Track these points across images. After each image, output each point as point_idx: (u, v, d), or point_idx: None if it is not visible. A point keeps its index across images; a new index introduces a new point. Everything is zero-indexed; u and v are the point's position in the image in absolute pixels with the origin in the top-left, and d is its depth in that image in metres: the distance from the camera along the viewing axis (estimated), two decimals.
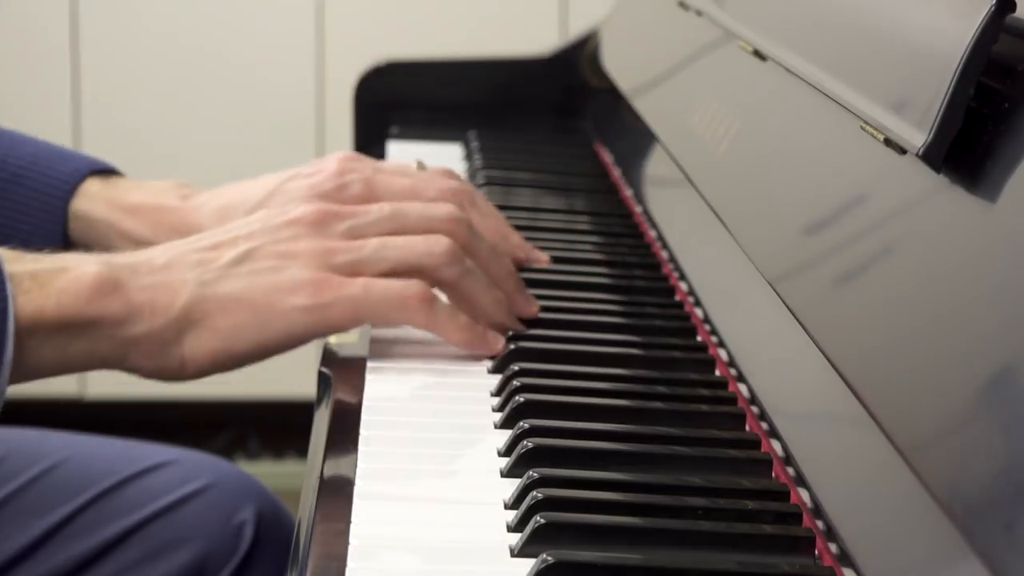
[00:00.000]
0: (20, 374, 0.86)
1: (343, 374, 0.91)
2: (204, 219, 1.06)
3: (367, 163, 1.04)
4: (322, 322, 0.89)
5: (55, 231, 1.09)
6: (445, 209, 0.94)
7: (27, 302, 0.85)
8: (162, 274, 0.88)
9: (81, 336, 0.86)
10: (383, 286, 0.89)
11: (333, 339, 0.97)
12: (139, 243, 1.06)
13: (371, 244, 0.91)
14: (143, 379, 0.90)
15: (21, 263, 0.86)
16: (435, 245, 0.91)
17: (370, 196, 1.01)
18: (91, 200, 1.09)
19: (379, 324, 0.92)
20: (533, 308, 0.96)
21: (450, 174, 1.07)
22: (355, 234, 0.92)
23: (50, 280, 0.86)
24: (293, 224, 0.91)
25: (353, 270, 0.90)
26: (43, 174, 1.09)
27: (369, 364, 0.91)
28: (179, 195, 1.08)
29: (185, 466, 1.19)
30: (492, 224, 1.05)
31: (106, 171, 1.12)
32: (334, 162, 1.04)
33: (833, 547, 0.69)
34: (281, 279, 0.89)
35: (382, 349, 0.93)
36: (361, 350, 0.93)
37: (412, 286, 0.89)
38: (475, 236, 0.94)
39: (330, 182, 1.03)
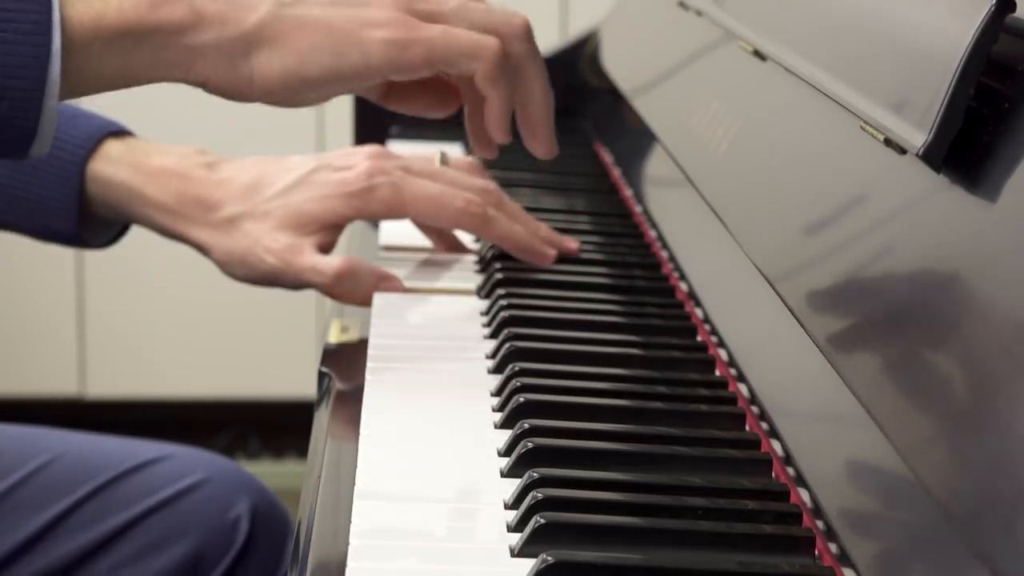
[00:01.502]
0: (83, 84, 0.84)
1: (343, 374, 0.91)
2: (230, 195, 1.06)
3: (397, 162, 1.05)
4: (398, 59, 0.89)
5: (71, 195, 1.07)
6: (516, 19, 0.95)
7: (87, 7, 0.83)
8: None
9: (144, 43, 0.85)
10: (464, 33, 0.91)
11: (333, 339, 0.97)
12: (160, 209, 1.06)
13: (453, 2, 0.92)
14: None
15: None
16: (514, 18, 0.94)
17: (397, 199, 1.02)
18: (112, 163, 1.08)
19: (453, 70, 0.92)
20: (556, 148, 1.02)
21: (473, 170, 1.09)
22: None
23: None
24: None
25: (435, 20, 0.91)
26: (57, 138, 1.06)
27: (369, 364, 0.91)
28: (203, 163, 1.07)
29: (181, 461, 1.19)
30: (522, 224, 1.07)
31: (121, 132, 1.11)
32: (364, 159, 1.04)
33: (833, 547, 0.69)
34: (364, 12, 0.89)
35: (382, 349, 0.93)
36: (361, 350, 0.93)
37: (490, 39, 0.91)
38: (540, 53, 0.97)
39: (359, 182, 1.03)
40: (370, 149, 1.05)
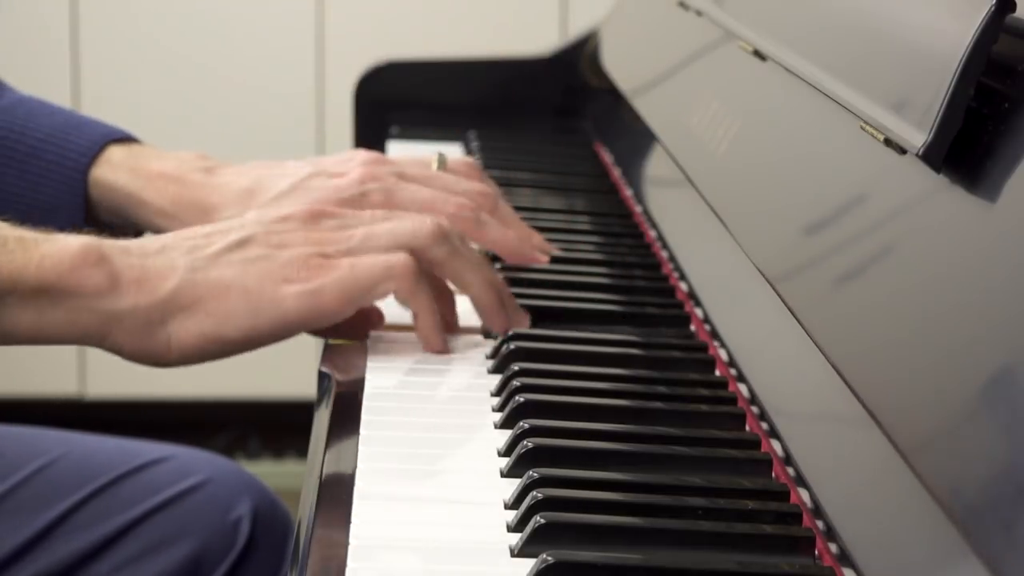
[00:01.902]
0: None
1: (343, 374, 0.91)
2: (227, 200, 1.06)
3: (391, 168, 1.04)
4: (314, 307, 0.89)
5: (75, 203, 1.08)
6: (430, 221, 0.94)
7: (8, 262, 0.85)
8: (153, 257, 0.88)
9: (61, 305, 0.86)
10: (370, 260, 0.90)
11: (334, 339, 0.97)
12: (158, 214, 1.07)
13: (359, 233, 0.91)
14: (129, 363, 0.90)
15: (12, 229, 0.86)
16: (421, 226, 0.92)
17: (388, 205, 1.02)
18: (113, 168, 1.08)
19: (370, 300, 0.92)
20: (524, 322, 0.96)
21: (471, 172, 1.08)
22: (347, 227, 0.92)
23: (36, 245, 0.86)
24: (284, 219, 0.92)
25: (344, 256, 0.90)
26: (61, 146, 1.08)
27: (369, 364, 0.91)
28: (202, 167, 1.08)
29: (182, 462, 1.19)
30: (513, 231, 1.06)
31: (125, 139, 1.12)
32: (358, 166, 1.04)
33: (833, 547, 0.69)
34: (272, 266, 0.89)
35: (382, 349, 0.93)
36: (361, 350, 0.93)
37: (398, 256, 0.90)
38: (464, 241, 0.95)
39: (351, 189, 1.03)
40: (365, 155, 1.05)
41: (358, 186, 1.03)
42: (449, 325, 0.95)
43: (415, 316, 0.92)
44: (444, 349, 0.93)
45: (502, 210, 1.07)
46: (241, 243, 0.90)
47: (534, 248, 1.07)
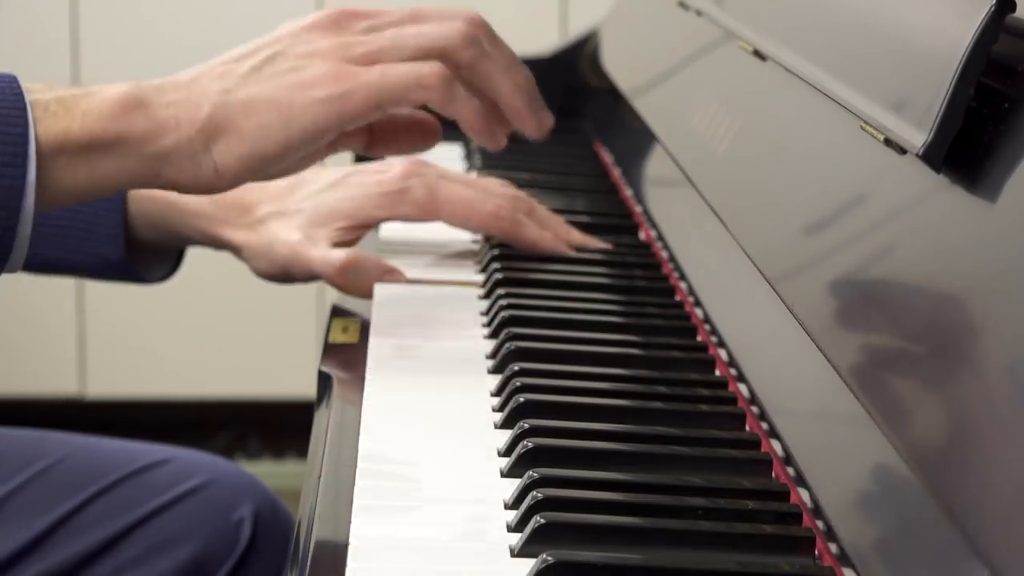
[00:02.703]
0: (53, 197, 0.87)
1: (343, 374, 0.91)
2: (265, 198, 1.09)
3: (432, 168, 1.07)
4: (344, 112, 0.90)
5: (115, 218, 1.10)
6: (463, 12, 0.95)
7: (53, 124, 0.87)
8: (186, 89, 0.90)
9: (109, 154, 0.87)
10: (401, 68, 0.91)
11: (333, 339, 0.97)
12: (197, 216, 1.10)
13: (387, 34, 0.93)
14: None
15: (50, 91, 0.88)
16: (451, 28, 0.93)
17: (431, 200, 1.05)
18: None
19: (399, 106, 0.93)
20: (549, 121, 1.00)
21: (506, 183, 1.12)
22: (376, 29, 0.94)
23: (76, 103, 0.88)
24: (312, 28, 0.93)
25: (372, 60, 0.91)
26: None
27: (369, 364, 0.91)
28: None
29: (183, 464, 1.20)
30: (550, 232, 1.09)
31: None
32: (401, 163, 1.07)
33: (833, 547, 0.69)
34: (300, 76, 0.90)
35: (382, 349, 0.93)
36: (361, 350, 0.93)
37: (430, 65, 0.91)
38: (494, 38, 0.96)
39: (393, 183, 1.06)
40: (407, 158, 1.07)
41: (401, 180, 1.06)
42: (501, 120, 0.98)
43: (459, 121, 0.94)
44: (500, 143, 0.97)
45: (539, 212, 1.09)
46: (270, 59, 0.91)
47: (570, 246, 1.10)
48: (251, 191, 1.09)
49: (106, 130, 0.87)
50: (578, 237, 1.11)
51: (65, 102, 0.88)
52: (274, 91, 0.90)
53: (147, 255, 1.14)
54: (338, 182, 1.08)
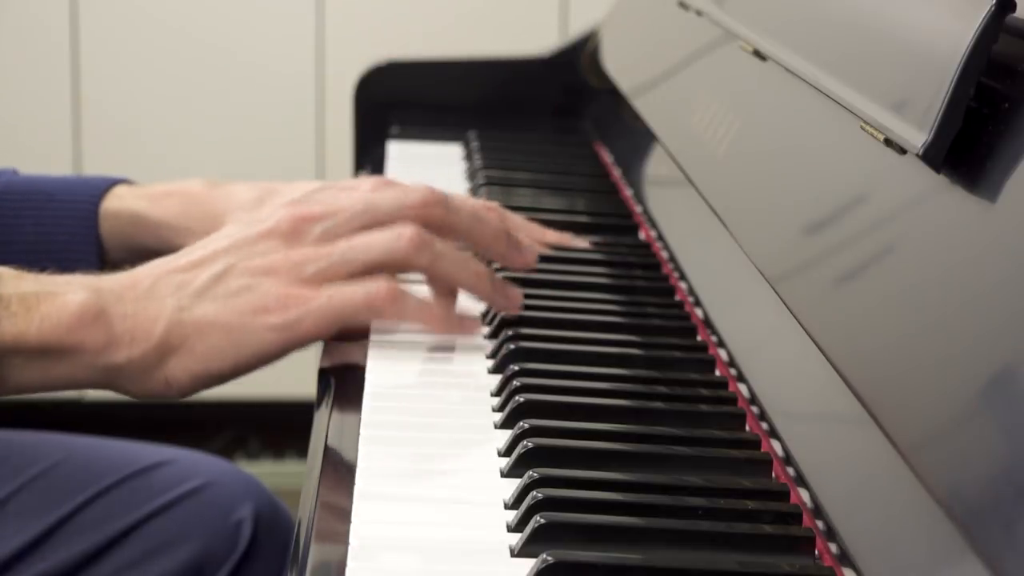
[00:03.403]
0: (3, 390, 0.89)
1: (343, 374, 0.91)
2: (233, 206, 1.10)
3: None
4: (293, 338, 0.91)
5: (89, 240, 1.12)
6: (418, 194, 0.95)
7: (12, 325, 0.88)
8: (143, 301, 0.91)
9: (62, 361, 0.89)
10: (348, 291, 0.91)
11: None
12: (166, 228, 1.11)
13: (339, 248, 0.93)
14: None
15: (12, 284, 0.89)
16: (399, 238, 0.93)
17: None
18: (121, 198, 1.13)
19: (354, 325, 0.93)
20: (529, 258, 0.98)
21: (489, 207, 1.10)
22: (329, 236, 0.93)
23: (36, 304, 0.89)
24: (268, 236, 0.93)
25: (324, 278, 0.92)
26: (74, 188, 1.13)
27: (369, 364, 0.91)
28: (209, 183, 1.12)
29: (183, 465, 1.19)
30: (525, 234, 1.08)
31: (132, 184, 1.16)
32: (368, 184, 1.04)
33: (833, 547, 0.69)
34: (252, 299, 0.91)
35: (382, 349, 0.93)
36: (361, 350, 0.93)
37: (376, 284, 0.92)
38: (452, 211, 0.96)
39: (357, 206, 1.04)
40: (377, 179, 1.05)
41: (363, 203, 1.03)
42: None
43: (417, 325, 0.94)
44: (465, 329, 0.95)
45: (511, 216, 1.08)
46: (223, 275, 0.92)
47: (552, 242, 1.10)
48: (218, 200, 1.10)
49: (62, 340, 0.89)
50: (553, 236, 1.11)
51: (27, 301, 0.89)
52: (227, 314, 0.91)
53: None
54: (308, 196, 1.07)
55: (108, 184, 1.14)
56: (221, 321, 0.91)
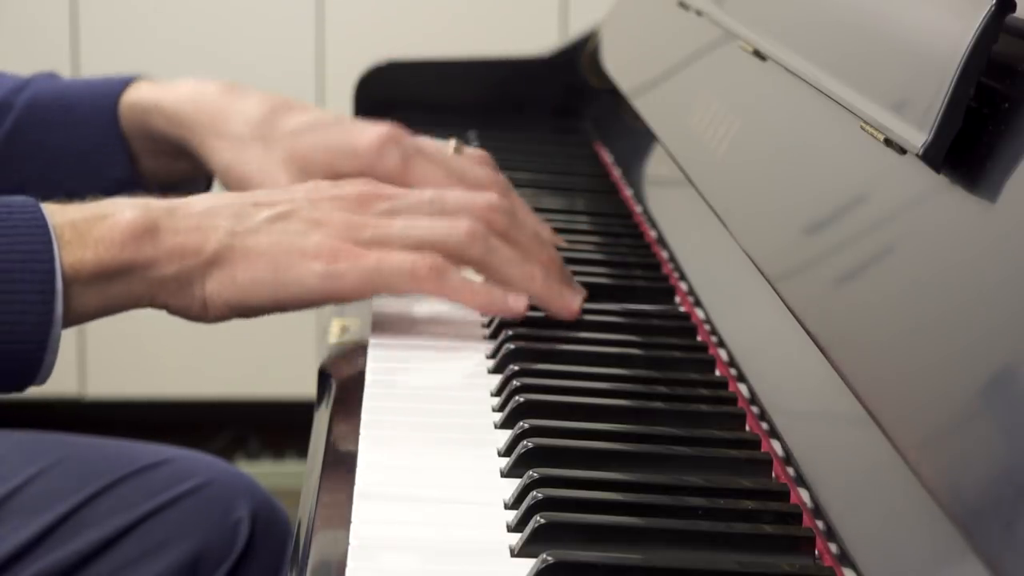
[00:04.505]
0: (66, 322, 0.90)
1: (343, 374, 0.91)
2: (245, 119, 1.12)
3: (412, 141, 1.08)
4: (334, 289, 0.92)
5: (113, 133, 1.16)
6: (485, 198, 0.97)
7: (68, 253, 0.89)
8: (198, 218, 0.92)
9: (117, 280, 0.91)
10: (396, 258, 0.92)
11: (333, 339, 0.97)
12: (182, 118, 1.15)
13: (398, 223, 0.94)
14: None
15: (62, 214, 0.91)
16: (457, 227, 0.94)
17: (401, 175, 1.06)
18: (138, 91, 1.19)
19: (393, 293, 0.94)
20: (572, 304, 0.97)
21: (485, 161, 1.11)
22: (392, 214, 0.95)
23: (89, 229, 0.90)
24: (334, 199, 0.95)
25: (378, 245, 0.93)
26: (95, 93, 1.20)
27: (369, 364, 0.91)
28: (223, 87, 1.17)
29: (181, 464, 1.19)
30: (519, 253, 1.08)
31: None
32: (379, 128, 1.08)
33: (833, 547, 0.69)
34: (305, 242, 0.92)
35: (383, 349, 0.93)
36: (361, 350, 0.93)
37: (424, 258, 0.93)
38: (515, 222, 0.97)
39: (370, 152, 1.07)
40: (388, 125, 1.08)
41: (377, 144, 1.07)
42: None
43: (460, 302, 0.94)
44: (517, 308, 0.95)
45: (518, 219, 1.07)
46: (283, 215, 0.93)
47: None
48: (228, 104, 1.14)
49: (116, 258, 0.90)
50: (548, 235, 1.09)
51: (78, 228, 0.90)
52: (275, 249, 0.92)
53: (157, 173, 1.19)
54: (316, 124, 1.10)
55: (127, 81, 1.19)
56: (270, 254, 0.92)
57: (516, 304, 0.95)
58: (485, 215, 0.96)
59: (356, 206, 0.95)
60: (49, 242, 0.89)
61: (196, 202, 0.94)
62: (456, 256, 0.94)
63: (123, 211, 0.91)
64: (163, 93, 1.17)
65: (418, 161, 1.07)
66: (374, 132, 1.08)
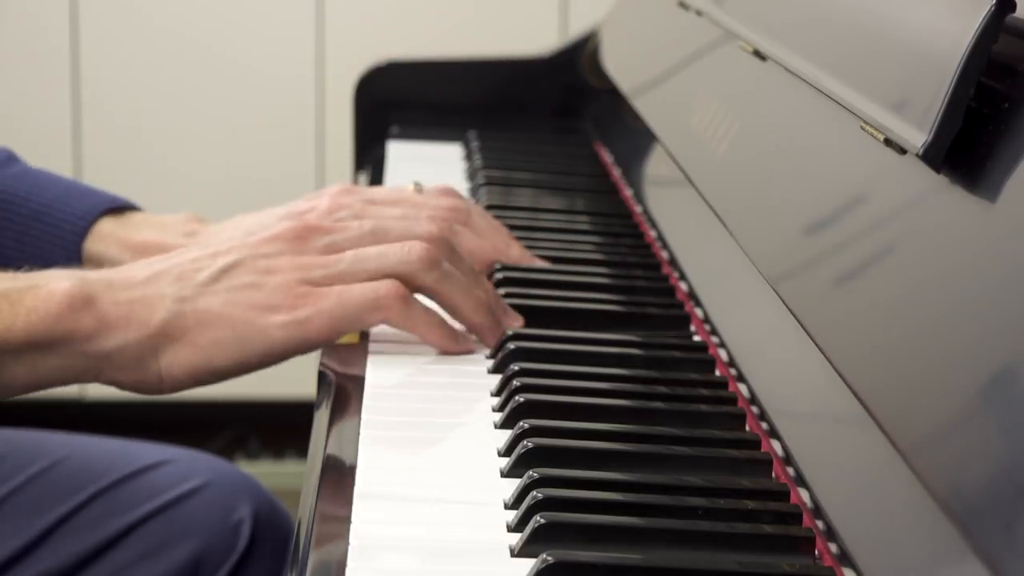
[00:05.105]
0: None
1: (343, 374, 0.91)
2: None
3: (360, 195, 1.03)
4: (301, 337, 0.89)
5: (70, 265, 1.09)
6: (425, 227, 0.94)
7: None
8: (140, 288, 0.88)
9: (52, 353, 0.86)
10: (358, 290, 0.90)
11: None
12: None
13: (347, 257, 0.91)
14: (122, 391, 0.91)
15: None
16: (410, 251, 0.92)
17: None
18: (102, 241, 1.09)
19: (358, 328, 0.92)
20: (495, 340, 0.95)
21: (448, 192, 1.07)
22: (334, 249, 0.92)
23: (20, 298, 0.86)
24: (273, 240, 0.92)
25: (332, 282, 0.90)
26: (60, 212, 1.10)
27: (369, 365, 0.91)
28: (186, 232, 1.08)
29: (182, 465, 1.19)
30: (489, 241, 1.06)
31: (123, 208, 1.12)
32: (327, 198, 1.02)
33: (833, 547, 0.69)
34: (259, 295, 0.89)
35: (383, 350, 0.93)
36: (362, 351, 0.93)
37: (386, 285, 0.90)
38: (454, 255, 0.94)
39: (322, 220, 1.00)
40: (334, 188, 1.02)
41: (327, 216, 0.99)
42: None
43: (419, 336, 0.92)
44: (464, 348, 0.93)
45: (476, 222, 1.06)
46: (228, 269, 0.90)
47: (514, 260, 1.07)
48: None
49: (51, 329, 0.86)
50: (517, 252, 1.07)
51: (9, 297, 0.86)
52: (232, 308, 0.88)
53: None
54: (272, 225, 1.01)
55: (91, 217, 1.09)
56: (226, 313, 0.88)
57: (468, 345, 0.93)
58: (432, 241, 0.93)
59: (296, 243, 0.91)
60: None
61: (133, 270, 0.90)
62: (410, 282, 0.91)
63: (58, 281, 0.87)
64: (128, 257, 1.06)
65: (370, 208, 1.01)
66: (324, 203, 1.00)
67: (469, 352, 0.93)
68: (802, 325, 0.77)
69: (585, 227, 1.21)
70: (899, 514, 0.63)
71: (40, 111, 2.57)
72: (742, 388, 0.87)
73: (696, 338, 0.97)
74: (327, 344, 0.91)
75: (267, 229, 0.93)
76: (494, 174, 1.35)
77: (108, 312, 0.87)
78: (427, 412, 0.85)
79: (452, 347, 0.93)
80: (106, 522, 1.15)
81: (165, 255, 0.92)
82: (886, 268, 0.73)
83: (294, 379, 2.62)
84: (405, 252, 0.92)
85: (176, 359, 0.88)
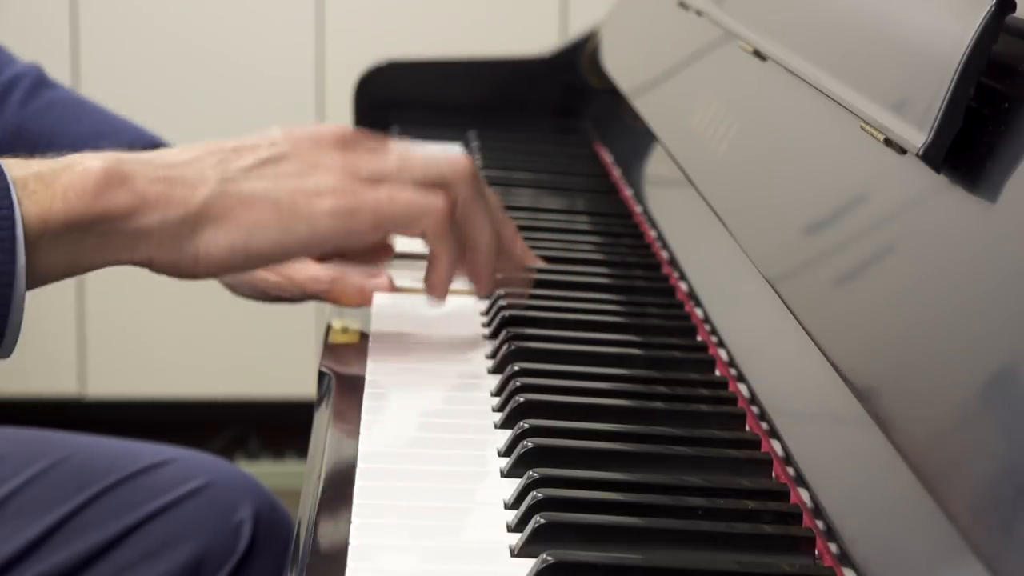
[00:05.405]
0: (35, 278, 0.84)
1: (343, 374, 0.91)
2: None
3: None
4: (346, 227, 0.87)
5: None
6: (463, 160, 0.93)
7: (33, 203, 0.82)
8: (179, 168, 0.86)
9: (90, 231, 0.84)
10: (408, 195, 0.88)
11: (333, 339, 0.97)
12: None
13: (393, 159, 0.90)
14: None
15: (22, 167, 0.84)
16: (457, 163, 0.91)
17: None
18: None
19: (400, 233, 0.90)
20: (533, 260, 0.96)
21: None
22: (378, 153, 0.91)
23: (55, 179, 0.83)
24: (317, 140, 0.90)
25: (378, 181, 0.89)
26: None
27: (369, 364, 0.91)
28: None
29: (184, 465, 1.20)
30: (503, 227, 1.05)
31: (157, 145, 1.11)
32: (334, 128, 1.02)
33: (833, 547, 0.69)
34: (308, 182, 0.87)
35: (383, 349, 0.93)
36: (362, 351, 0.93)
37: (436, 199, 0.89)
38: (488, 190, 0.94)
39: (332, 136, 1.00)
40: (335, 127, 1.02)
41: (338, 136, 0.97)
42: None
43: (433, 259, 0.91)
44: (443, 301, 0.93)
45: (492, 202, 1.06)
46: (275, 159, 0.88)
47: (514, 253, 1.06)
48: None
49: (89, 207, 0.83)
50: (520, 249, 1.05)
51: (44, 178, 0.83)
52: (278, 192, 0.86)
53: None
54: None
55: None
56: (272, 196, 0.86)
57: (441, 300, 0.93)
58: (470, 163, 0.93)
59: (342, 145, 0.90)
60: (6, 188, 0.81)
61: (171, 153, 0.87)
62: (451, 191, 0.90)
63: (92, 160, 0.84)
64: None
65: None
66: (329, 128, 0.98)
67: (440, 304, 0.93)
68: (802, 325, 0.77)
69: (585, 227, 1.21)
70: (899, 514, 0.63)
71: None
72: (742, 388, 0.87)
73: (696, 338, 0.97)
74: (365, 243, 0.89)
75: (309, 131, 0.91)
76: (494, 174, 1.35)
77: (146, 190, 0.85)
78: (427, 412, 0.85)
79: (441, 291, 0.92)
80: (107, 522, 1.16)
81: (201, 144, 0.89)
82: (886, 268, 0.73)
83: (294, 379, 2.63)
84: (453, 162, 0.91)
85: (215, 238, 0.86)
